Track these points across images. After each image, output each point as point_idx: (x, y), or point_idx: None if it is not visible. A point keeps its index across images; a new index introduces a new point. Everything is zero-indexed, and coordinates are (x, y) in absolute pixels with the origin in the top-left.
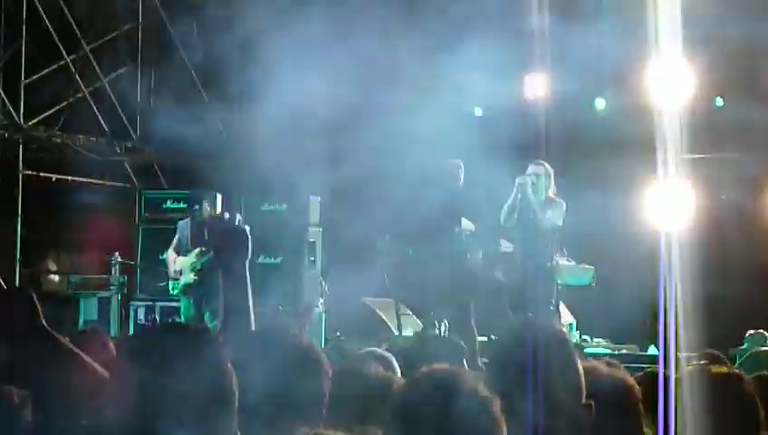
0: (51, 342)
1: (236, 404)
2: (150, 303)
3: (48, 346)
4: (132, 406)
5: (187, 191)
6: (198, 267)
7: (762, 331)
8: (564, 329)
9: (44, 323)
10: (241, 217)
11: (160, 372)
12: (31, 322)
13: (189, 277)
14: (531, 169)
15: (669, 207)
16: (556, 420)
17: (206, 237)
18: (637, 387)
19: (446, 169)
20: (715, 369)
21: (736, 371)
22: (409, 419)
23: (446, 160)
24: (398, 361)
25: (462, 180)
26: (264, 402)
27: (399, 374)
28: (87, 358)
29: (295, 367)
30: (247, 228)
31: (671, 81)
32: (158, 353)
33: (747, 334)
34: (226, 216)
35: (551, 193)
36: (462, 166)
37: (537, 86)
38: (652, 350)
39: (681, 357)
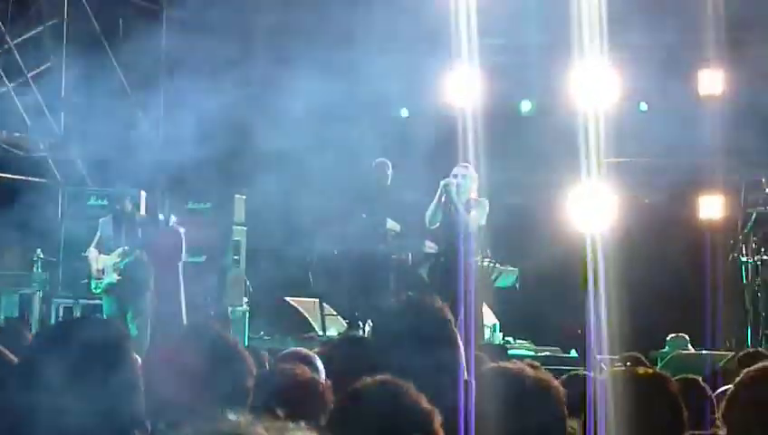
0: None
1: (141, 390)
2: (72, 300)
3: None
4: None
5: (110, 189)
6: (121, 267)
7: (683, 334)
8: (446, 310)
9: None
10: (176, 219)
11: (65, 359)
12: None
13: (112, 277)
14: (456, 170)
15: (593, 211)
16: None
17: (141, 237)
18: (561, 389)
19: (374, 168)
20: (641, 370)
21: (661, 372)
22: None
23: (374, 160)
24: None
25: (390, 180)
26: (189, 394)
27: (323, 376)
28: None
29: (220, 361)
30: (182, 230)
31: (595, 85)
32: (66, 343)
33: (669, 338)
34: (161, 217)
35: (473, 195)
36: (390, 165)
37: (461, 88)
38: (574, 352)
39: (604, 359)
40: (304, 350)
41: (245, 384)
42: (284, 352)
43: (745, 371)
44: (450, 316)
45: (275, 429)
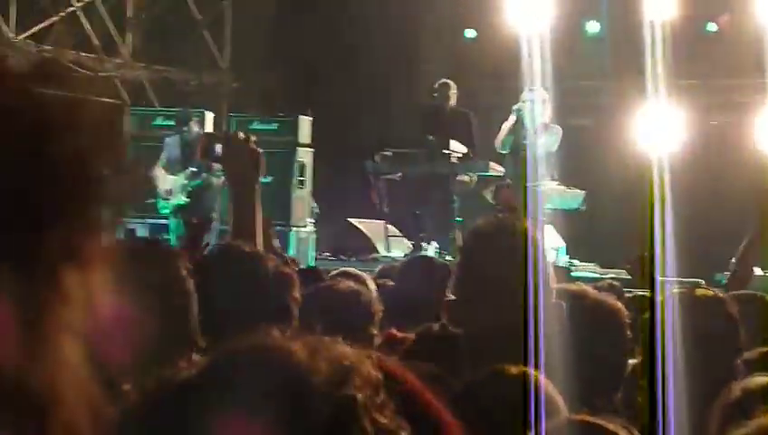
0: None
1: (194, 307)
2: (139, 220)
3: None
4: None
5: (176, 109)
6: (190, 188)
7: None
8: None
9: None
10: (255, 138)
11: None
12: None
13: (180, 198)
14: (526, 94)
15: (659, 132)
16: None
17: (218, 154)
18: (624, 311)
19: (437, 88)
20: (699, 291)
21: (720, 293)
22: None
23: (438, 81)
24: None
25: (453, 100)
26: (236, 311)
27: (374, 293)
28: None
29: (254, 282)
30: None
31: (663, 4)
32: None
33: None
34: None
35: (546, 118)
36: (453, 86)
37: (529, 8)
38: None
39: (669, 282)
40: (355, 270)
41: (286, 303)
42: (336, 271)
43: None
44: (541, 239)
45: (307, 343)
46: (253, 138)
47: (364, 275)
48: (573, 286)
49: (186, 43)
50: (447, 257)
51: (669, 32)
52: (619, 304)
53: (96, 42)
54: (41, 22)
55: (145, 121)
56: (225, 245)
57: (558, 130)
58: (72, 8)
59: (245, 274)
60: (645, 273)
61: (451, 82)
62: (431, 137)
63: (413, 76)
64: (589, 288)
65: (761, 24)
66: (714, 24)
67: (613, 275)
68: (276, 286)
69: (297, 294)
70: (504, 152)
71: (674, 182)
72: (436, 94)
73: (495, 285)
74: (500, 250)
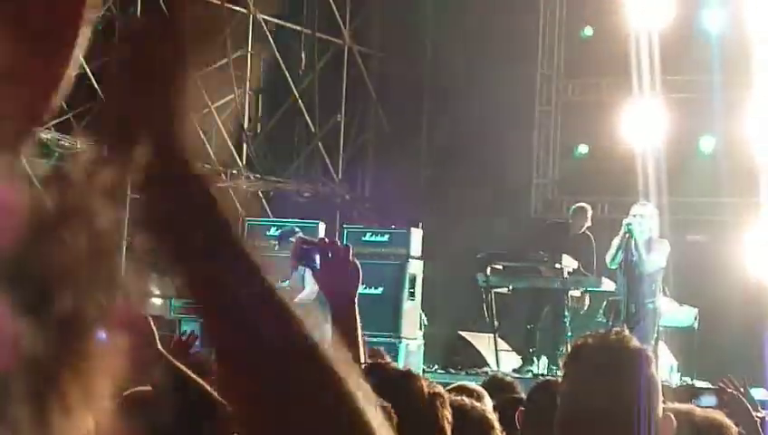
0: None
1: None
2: None
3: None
4: None
5: (291, 220)
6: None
7: None
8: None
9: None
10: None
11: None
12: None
13: None
14: (635, 209)
15: None
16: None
17: (314, 264)
18: (734, 428)
19: (572, 214)
20: None
21: None
22: None
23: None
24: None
25: (588, 224)
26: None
27: (490, 408)
28: None
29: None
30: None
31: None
32: None
33: None
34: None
35: (655, 234)
36: (589, 210)
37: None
38: (756, 393)
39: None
40: (473, 384)
41: (441, 423)
42: (452, 385)
43: None
44: (652, 356)
45: None
46: (350, 248)
47: (480, 389)
48: (682, 406)
49: (300, 155)
50: (558, 373)
51: None
52: (727, 421)
53: (212, 153)
54: None
55: (260, 232)
56: (372, 364)
57: (666, 244)
58: None
59: (399, 394)
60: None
61: (587, 207)
62: (542, 252)
63: (525, 190)
64: (696, 407)
65: None
66: None
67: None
68: (430, 407)
69: (449, 413)
70: (613, 268)
71: None
72: (571, 220)
73: (603, 409)
74: (605, 371)
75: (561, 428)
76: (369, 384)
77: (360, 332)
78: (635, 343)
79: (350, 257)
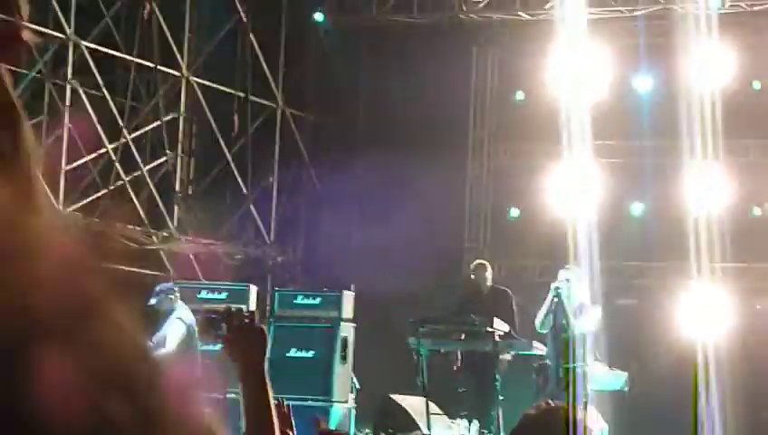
0: None
1: None
2: None
3: None
4: None
5: (222, 283)
6: None
7: None
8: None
9: None
10: (257, 314)
11: None
12: None
13: None
14: (563, 273)
15: (705, 316)
16: None
17: (221, 334)
18: None
19: (473, 269)
20: None
21: None
22: None
23: (473, 262)
24: None
25: (490, 281)
26: None
27: None
28: None
29: None
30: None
31: (709, 188)
32: None
33: None
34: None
35: (585, 298)
36: (488, 267)
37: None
38: None
39: None
40: None
41: None
42: None
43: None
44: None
45: None
46: (255, 314)
47: None
48: None
49: (232, 217)
50: None
51: (715, 216)
52: None
53: (143, 215)
54: (89, 195)
55: (190, 295)
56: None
57: (597, 310)
58: (120, 182)
59: None
60: None
61: (486, 263)
62: (473, 315)
63: (458, 256)
64: None
65: None
66: (759, 208)
67: None
68: None
69: None
70: (543, 332)
71: (719, 367)
72: (473, 276)
73: None
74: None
75: None
76: None
77: (270, 397)
78: (579, 415)
79: (256, 325)
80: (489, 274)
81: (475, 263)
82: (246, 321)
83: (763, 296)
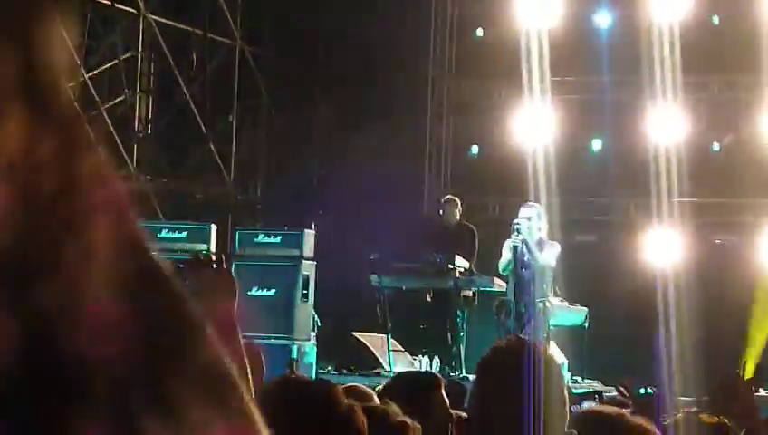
0: None
1: None
2: None
3: None
4: None
5: (182, 223)
6: None
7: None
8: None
9: None
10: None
11: None
12: None
13: None
14: (524, 211)
15: (664, 250)
16: None
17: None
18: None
19: (443, 204)
20: (705, 418)
21: (724, 420)
22: None
23: (443, 197)
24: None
25: (458, 216)
26: None
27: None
28: None
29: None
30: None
31: (667, 123)
32: None
33: None
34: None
35: (543, 234)
36: (459, 202)
37: (533, 126)
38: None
39: (676, 401)
40: (362, 386)
41: None
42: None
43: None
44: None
45: None
46: (222, 261)
47: (371, 392)
48: (613, 410)
49: (191, 156)
50: (451, 374)
51: (674, 151)
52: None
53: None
54: None
55: (150, 234)
56: (285, 378)
57: (556, 246)
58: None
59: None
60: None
61: (456, 199)
62: (436, 252)
63: (419, 191)
64: (628, 413)
65: (763, 142)
66: (718, 144)
67: (615, 394)
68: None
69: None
70: (505, 274)
71: (677, 300)
72: (441, 211)
73: (516, 406)
74: (520, 370)
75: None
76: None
77: (241, 343)
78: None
79: (225, 272)
80: (458, 210)
81: (445, 198)
82: (215, 268)
83: (723, 231)
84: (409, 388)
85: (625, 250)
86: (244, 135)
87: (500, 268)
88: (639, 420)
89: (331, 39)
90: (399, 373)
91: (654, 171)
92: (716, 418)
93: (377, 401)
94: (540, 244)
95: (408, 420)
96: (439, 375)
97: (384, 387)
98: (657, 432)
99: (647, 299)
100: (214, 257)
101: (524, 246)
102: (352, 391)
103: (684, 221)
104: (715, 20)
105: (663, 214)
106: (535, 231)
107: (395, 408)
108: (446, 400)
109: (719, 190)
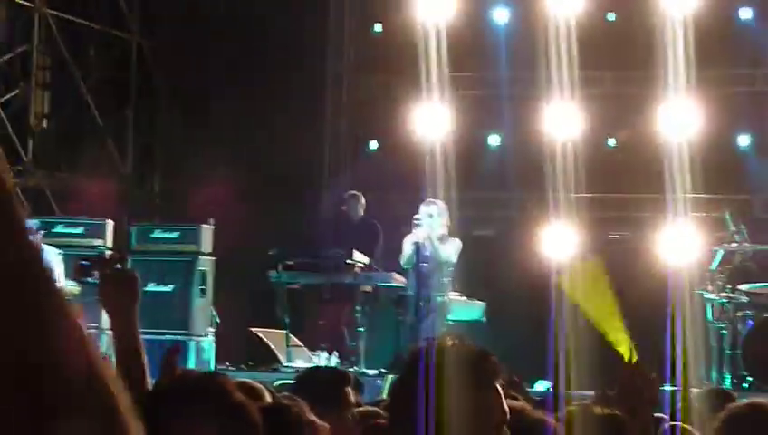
0: None
1: None
2: None
3: None
4: None
5: (78, 218)
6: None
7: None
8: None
9: None
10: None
11: None
12: None
13: None
14: (425, 208)
15: (560, 245)
16: None
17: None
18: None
19: (346, 199)
20: (598, 409)
21: (617, 412)
22: None
23: (346, 192)
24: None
25: (362, 212)
26: None
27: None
28: None
29: None
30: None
31: (563, 119)
32: None
33: None
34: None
35: (444, 230)
36: (361, 198)
37: (431, 121)
38: (539, 385)
39: (570, 395)
40: (252, 381)
41: None
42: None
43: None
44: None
45: None
46: (126, 260)
47: (261, 387)
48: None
49: (88, 151)
50: (350, 369)
51: (570, 147)
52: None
53: None
54: None
55: (46, 230)
56: (175, 373)
57: (457, 243)
58: None
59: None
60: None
61: (359, 194)
62: (336, 248)
63: (318, 190)
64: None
65: (658, 138)
66: (614, 139)
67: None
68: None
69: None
70: (407, 268)
71: (572, 295)
72: (344, 206)
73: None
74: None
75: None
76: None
77: (140, 342)
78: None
79: (128, 272)
80: (361, 205)
81: (347, 193)
82: (118, 267)
83: (617, 226)
84: (319, 385)
85: (522, 245)
86: (141, 130)
87: (401, 263)
88: (539, 414)
89: (228, 34)
90: (309, 369)
91: (551, 167)
92: (608, 410)
93: (268, 396)
94: (442, 239)
95: (316, 419)
96: (349, 372)
97: (295, 383)
98: (556, 424)
99: (542, 293)
100: (118, 256)
101: (426, 242)
102: (241, 386)
103: (580, 216)
104: (611, 17)
105: (560, 209)
106: (437, 227)
107: (302, 405)
108: (354, 398)
109: (615, 186)
